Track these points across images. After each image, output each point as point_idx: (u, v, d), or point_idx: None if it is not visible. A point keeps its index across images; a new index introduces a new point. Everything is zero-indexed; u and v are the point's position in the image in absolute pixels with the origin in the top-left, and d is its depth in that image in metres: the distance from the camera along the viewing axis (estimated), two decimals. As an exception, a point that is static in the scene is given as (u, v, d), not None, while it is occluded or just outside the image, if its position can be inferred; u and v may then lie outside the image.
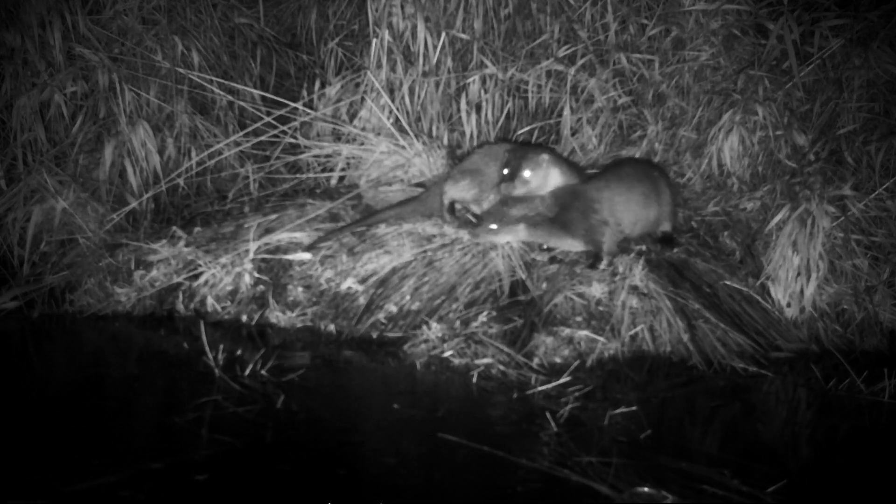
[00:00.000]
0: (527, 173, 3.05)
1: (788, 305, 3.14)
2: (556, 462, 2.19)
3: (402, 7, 3.64)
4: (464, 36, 3.72)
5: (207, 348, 2.74)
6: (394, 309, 3.05)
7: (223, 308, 3.13)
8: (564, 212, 3.06)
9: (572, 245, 3.15)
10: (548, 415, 2.45)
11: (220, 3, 3.93)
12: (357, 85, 3.78)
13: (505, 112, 3.80)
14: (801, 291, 3.11)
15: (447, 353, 2.82)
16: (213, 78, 3.70)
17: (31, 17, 3.49)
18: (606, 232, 3.07)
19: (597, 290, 3.04)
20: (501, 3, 3.79)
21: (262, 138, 3.66)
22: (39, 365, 2.81)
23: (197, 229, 3.40)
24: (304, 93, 3.80)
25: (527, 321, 2.95)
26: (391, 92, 3.70)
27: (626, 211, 3.11)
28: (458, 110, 3.76)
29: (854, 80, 3.60)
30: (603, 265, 3.09)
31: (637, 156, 3.69)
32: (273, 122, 3.67)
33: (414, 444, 2.28)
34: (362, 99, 3.74)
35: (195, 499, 1.99)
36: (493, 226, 3.06)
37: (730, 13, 3.74)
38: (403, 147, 3.61)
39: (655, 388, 2.74)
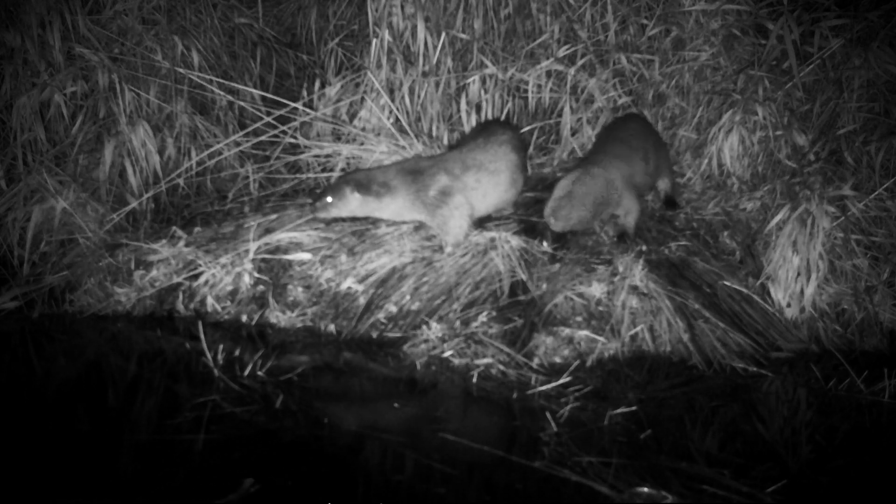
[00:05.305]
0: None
1: (788, 305, 3.13)
2: (556, 462, 2.19)
3: (402, 7, 3.64)
4: (464, 36, 3.72)
5: (207, 348, 2.75)
6: (394, 309, 3.04)
7: (223, 308, 3.13)
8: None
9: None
10: (548, 415, 2.45)
11: (220, 3, 3.92)
12: (357, 85, 3.78)
13: (505, 112, 3.80)
14: (801, 291, 3.11)
15: (447, 353, 2.82)
16: (213, 78, 3.70)
17: (31, 17, 3.48)
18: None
19: (597, 290, 3.04)
20: (501, 3, 3.79)
21: (262, 138, 3.66)
22: (39, 365, 2.81)
23: (197, 229, 3.40)
24: (304, 93, 3.80)
25: (527, 321, 2.95)
26: (391, 92, 3.70)
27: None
28: (458, 110, 3.76)
29: (854, 80, 3.60)
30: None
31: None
32: (273, 122, 3.67)
33: (414, 444, 2.28)
34: (362, 99, 3.74)
35: (194, 498, 1.99)
36: None
37: (730, 13, 3.74)
38: (403, 147, 3.61)
39: (655, 388, 2.74)
